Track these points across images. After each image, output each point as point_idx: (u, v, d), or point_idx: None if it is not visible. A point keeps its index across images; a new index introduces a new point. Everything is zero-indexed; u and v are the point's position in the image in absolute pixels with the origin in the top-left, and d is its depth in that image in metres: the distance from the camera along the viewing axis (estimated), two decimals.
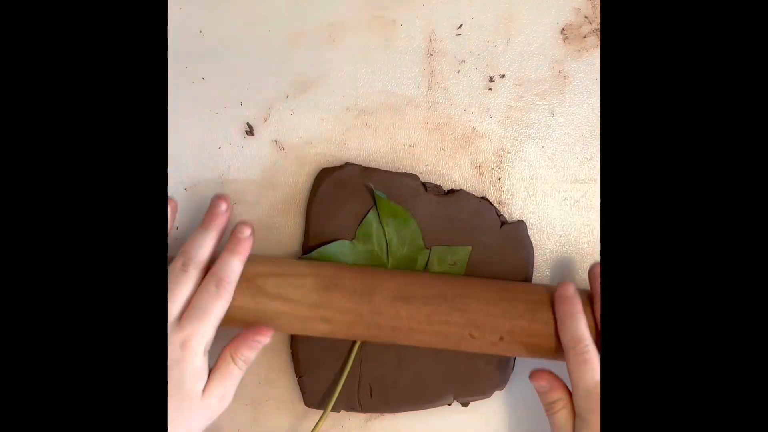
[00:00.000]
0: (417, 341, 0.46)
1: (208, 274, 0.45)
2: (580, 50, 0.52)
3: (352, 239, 0.49)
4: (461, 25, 0.52)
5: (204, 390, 0.44)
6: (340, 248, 0.49)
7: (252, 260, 0.46)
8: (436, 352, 0.49)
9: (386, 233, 0.49)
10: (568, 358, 0.43)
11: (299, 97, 0.52)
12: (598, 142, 0.52)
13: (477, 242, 0.50)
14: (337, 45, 0.52)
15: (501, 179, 0.52)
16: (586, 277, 0.51)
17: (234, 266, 0.45)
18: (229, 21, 0.51)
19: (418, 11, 0.52)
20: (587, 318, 0.44)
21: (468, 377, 0.50)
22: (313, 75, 0.52)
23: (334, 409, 0.50)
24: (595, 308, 0.45)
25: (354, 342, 0.49)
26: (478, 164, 0.52)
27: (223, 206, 0.47)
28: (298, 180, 0.52)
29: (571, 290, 0.45)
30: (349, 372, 0.49)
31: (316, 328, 0.46)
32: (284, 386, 0.52)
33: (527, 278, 0.50)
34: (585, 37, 0.52)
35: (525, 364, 0.51)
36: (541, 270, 0.51)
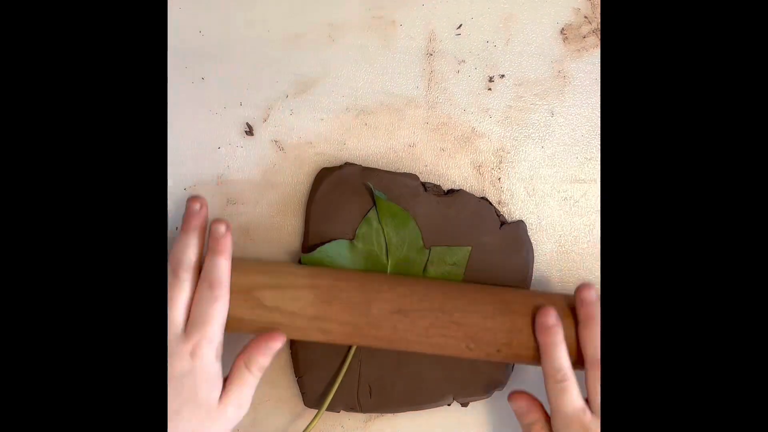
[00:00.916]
0: (414, 350, 0.47)
1: (200, 280, 0.45)
2: (580, 50, 0.52)
3: (351, 239, 0.49)
4: (461, 25, 0.52)
5: (220, 399, 0.44)
6: (339, 248, 0.49)
7: (249, 270, 0.46)
8: None
9: (386, 233, 0.49)
10: (548, 385, 0.44)
11: (299, 97, 0.52)
12: (598, 142, 0.52)
13: (477, 242, 0.50)
14: (337, 45, 0.52)
15: (501, 179, 0.52)
16: (586, 277, 0.51)
17: (221, 265, 0.45)
18: (229, 21, 0.51)
19: (418, 11, 0.52)
20: (568, 335, 0.45)
21: (468, 377, 0.50)
22: (312, 75, 0.52)
23: (334, 410, 0.50)
24: (579, 330, 0.45)
25: None
26: (478, 164, 0.52)
27: (197, 206, 0.46)
28: (297, 180, 0.52)
29: (552, 319, 0.44)
30: (349, 372, 0.49)
31: (315, 337, 0.46)
32: (284, 386, 0.52)
33: (527, 278, 0.50)
34: (585, 37, 0.52)
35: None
36: (541, 270, 0.51)
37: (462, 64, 0.52)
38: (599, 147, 0.51)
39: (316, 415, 0.48)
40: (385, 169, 0.51)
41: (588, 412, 0.43)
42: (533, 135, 0.52)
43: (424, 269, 0.49)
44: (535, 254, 0.51)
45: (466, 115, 0.52)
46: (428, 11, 0.52)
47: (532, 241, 0.51)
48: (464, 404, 0.51)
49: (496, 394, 0.50)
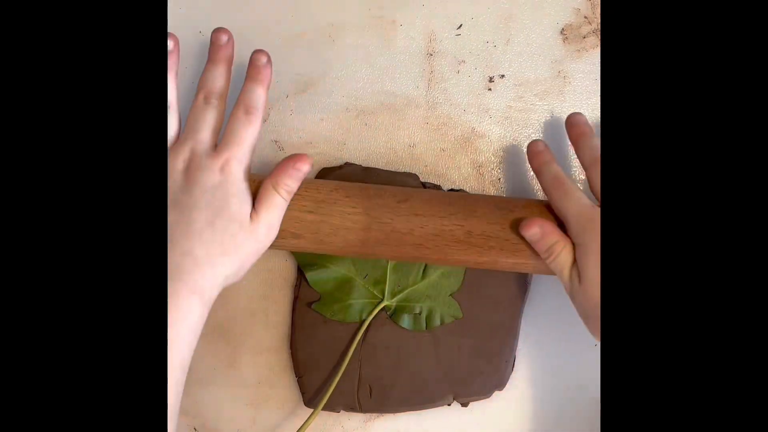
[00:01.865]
0: (414, 237, 0.45)
1: (235, 105, 0.45)
2: (579, 50, 0.52)
3: None
4: (461, 25, 0.52)
5: (251, 218, 0.43)
6: None
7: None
8: (436, 353, 0.49)
9: None
10: (551, 197, 0.45)
11: (299, 97, 0.52)
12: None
13: None
14: (337, 45, 0.52)
15: (501, 179, 0.52)
16: None
17: (259, 93, 0.46)
18: (229, 21, 0.51)
19: (418, 11, 0.52)
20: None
21: (468, 377, 0.50)
22: (313, 75, 0.52)
23: (334, 410, 0.50)
24: (575, 145, 0.47)
25: (351, 342, 0.49)
26: (478, 164, 0.52)
27: (224, 37, 0.47)
28: None
29: (540, 145, 0.47)
30: (349, 372, 0.49)
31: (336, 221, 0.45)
32: (284, 386, 0.52)
33: (527, 278, 0.50)
34: (585, 37, 0.52)
35: (525, 364, 0.51)
36: None
37: (462, 64, 0.52)
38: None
39: (311, 414, 0.48)
40: (385, 169, 0.51)
41: (597, 207, 0.43)
42: (533, 135, 0.52)
43: (425, 268, 0.49)
44: None
45: (466, 115, 0.52)
46: (428, 11, 0.52)
47: None
48: (464, 404, 0.51)
49: (496, 394, 0.51)
